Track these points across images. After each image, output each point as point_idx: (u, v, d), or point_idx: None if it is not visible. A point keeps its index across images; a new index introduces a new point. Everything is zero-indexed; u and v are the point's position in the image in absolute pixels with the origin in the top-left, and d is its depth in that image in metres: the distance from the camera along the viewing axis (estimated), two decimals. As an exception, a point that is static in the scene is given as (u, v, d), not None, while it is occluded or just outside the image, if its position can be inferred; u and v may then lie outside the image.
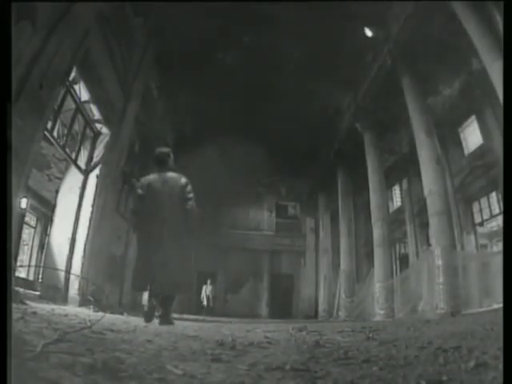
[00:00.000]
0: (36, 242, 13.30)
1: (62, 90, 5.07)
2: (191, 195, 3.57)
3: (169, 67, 9.75)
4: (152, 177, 3.67)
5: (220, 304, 14.59)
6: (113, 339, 1.62)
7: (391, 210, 12.86)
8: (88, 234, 5.86)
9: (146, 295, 8.85)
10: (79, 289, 5.41)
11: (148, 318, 3.33)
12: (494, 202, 8.69)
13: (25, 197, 10.30)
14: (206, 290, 13.33)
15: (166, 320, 3.29)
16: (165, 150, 3.90)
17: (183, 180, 3.64)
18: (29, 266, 12.08)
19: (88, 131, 6.57)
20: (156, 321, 3.38)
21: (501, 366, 0.98)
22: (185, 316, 7.27)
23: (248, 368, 1.11)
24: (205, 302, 13.07)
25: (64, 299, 5.13)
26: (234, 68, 10.24)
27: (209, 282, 13.42)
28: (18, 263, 11.14)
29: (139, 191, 3.59)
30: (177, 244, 3.47)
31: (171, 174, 3.67)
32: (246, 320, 7.59)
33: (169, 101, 10.79)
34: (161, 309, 3.40)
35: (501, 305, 4.65)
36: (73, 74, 5.29)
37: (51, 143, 5.62)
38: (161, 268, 3.36)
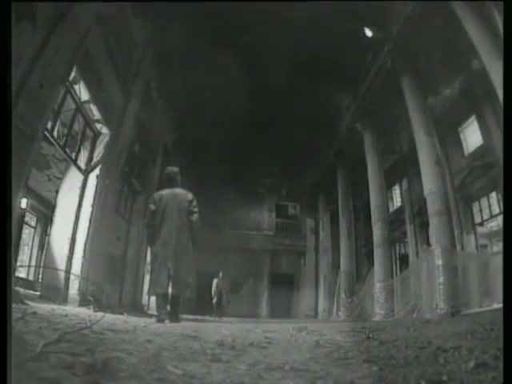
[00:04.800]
0: (36, 242, 13.31)
1: (61, 90, 5.06)
2: (196, 209, 4.10)
3: (169, 67, 9.75)
4: (163, 192, 4.17)
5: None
6: (113, 339, 1.62)
7: (391, 210, 12.87)
8: (88, 234, 5.85)
9: (146, 296, 8.89)
10: (79, 289, 5.40)
11: (161, 319, 3.60)
12: (494, 202, 8.69)
13: (25, 197, 10.31)
14: (218, 284, 11.62)
15: (175, 318, 3.70)
16: (175, 169, 4.40)
17: (190, 196, 4.15)
18: (29, 266, 12.08)
19: (88, 131, 6.56)
20: (153, 320, 3.70)
21: (501, 366, 0.98)
22: (185, 316, 7.26)
23: (248, 368, 1.11)
24: (214, 300, 11.49)
25: (64, 299, 5.12)
26: (234, 68, 10.24)
27: (221, 274, 11.81)
28: (18, 263, 11.14)
29: (152, 206, 4.06)
30: (185, 250, 3.98)
31: (180, 190, 4.19)
32: (246, 320, 7.59)
33: (169, 101, 10.78)
34: (170, 308, 3.80)
35: (501, 305, 4.65)
36: (73, 74, 5.28)
37: (51, 143, 5.61)
38: (175, 272, 3.83)
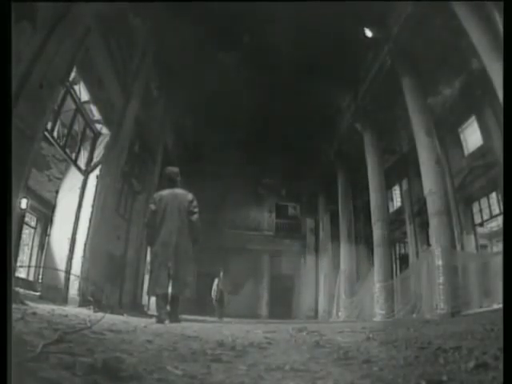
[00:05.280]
0: (36, 242, 13.31)
1: (62, 90, 5.05)
2: (196, 209, 4.11)
3: (169, 67, 9.75)
4: (164, 192, 4.16)
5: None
6: (113, 339, 1.62)
7: (391, 210, 12.87)
8: (88, 234, 5.85)
9: (146, 296, 8.87)
10: (79, 289, 5.40)
11: (161, 320, 3.60)
12: (494, 202, 8.68)
13: (25, 197, 10.31)
14: (219, 283, 11.30)
15: (175, 318, 3.70)
16: (175, 169, 4.40)
17: (190, 196, 4.16)
18: (29, 266, 12.08)
19: (88, 131, 6.55)
20: (153, 320, 3.72)
21: (501, 366, 0.98)
22: (185, 316, 7.26)
23: (248, 368, 1.11)
24: (215, 300, 11.18)
25: (64, 299, 5.12)
26: (234, 68, 10.24)
27: (221, 274, 11.47)
28: (18, 263, 11.14)
29: (152, 206, 4.05)
30: (185, 250, 3.97)
31: (180, 191, 4.20)
32: (246, 320, 7.59)
33: (169, 101, 10.79)
34: (170, 309, 3.78)
35: (501, 305, 4.65)
36: (73, 74, 5.28)
37: (51, 143, 5.61)
38: (175, 272, 3.83)
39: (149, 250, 7.12)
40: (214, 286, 11.39)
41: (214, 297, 11.30)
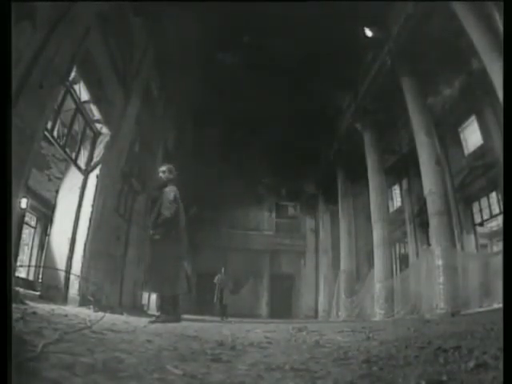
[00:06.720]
0: (36, 242, 13.30)
1: (62, 90, 5.06)
2: None
3: (169, 67, 9.75)
4: (173, 189, 4.04)
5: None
6: (113, 339, 1.62)
7: (391, 210, 12.86)
8: (88, 234, 5.85)
9: (146, 296, 8.86)
10: (79, 289, 5.39)
11: (162, 319, 3.59)
12: (494, 202, 8.68)
13: (25, 197, 10.30)
14: (220, 279, 11.05)
15: (175, 318, 3.70)
16: (172, 168, 4.32)
17: None
18: (29, 266, 12.08)
19: (88, 131, 6.55)
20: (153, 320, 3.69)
21: (501, 366, 0.98)
22: (185, 316, 7.25)
23: (248, 368, 1.11)
24: (216, 300, 10.94)
25: (64, 299, 5.12)
26: (234, 68, 10.24)
27: (223, 270, 11.22)
28: (18, 263, 11.13)
29: (175, 203, 3.84)
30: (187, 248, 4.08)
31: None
32: (246, 320, 7.59)
33: (169, 101, 10.79)
34: (171, 308, 3.77)
35: (501, 305, 4.65)
36: (73, 74, 5.28)
37: (51, 143, 5.61)
38: (179, 271, 3.81)
39: (148, 248, 7.09)
40: (216, 282, 11.27)
41: (216, 297, 11.23)
